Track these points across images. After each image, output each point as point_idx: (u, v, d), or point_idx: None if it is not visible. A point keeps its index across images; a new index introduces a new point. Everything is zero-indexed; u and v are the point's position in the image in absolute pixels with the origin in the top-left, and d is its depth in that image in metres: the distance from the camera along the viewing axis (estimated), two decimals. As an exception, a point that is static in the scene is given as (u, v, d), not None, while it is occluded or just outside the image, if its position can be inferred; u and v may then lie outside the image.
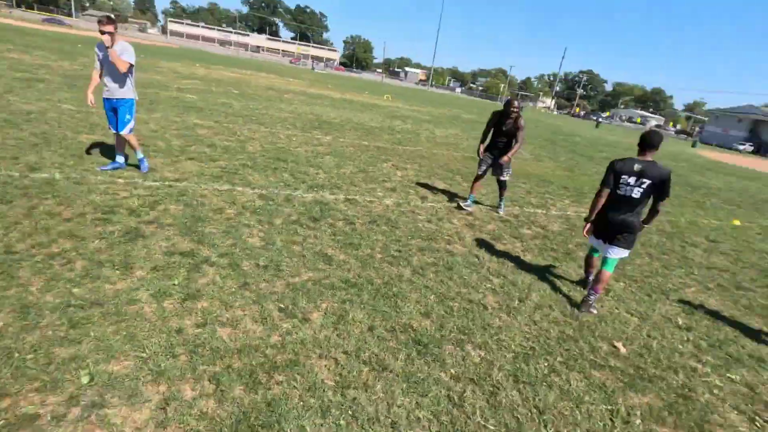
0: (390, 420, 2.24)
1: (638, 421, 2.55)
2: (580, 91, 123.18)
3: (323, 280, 3.52)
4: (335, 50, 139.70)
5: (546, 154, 14.64)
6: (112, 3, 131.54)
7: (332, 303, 3.22)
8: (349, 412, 2.24)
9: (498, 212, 6.38)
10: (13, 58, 13.84)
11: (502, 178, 6.16)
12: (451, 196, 6.84)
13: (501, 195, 6.40)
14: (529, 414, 2.46)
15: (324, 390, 2.36)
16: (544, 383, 2.74)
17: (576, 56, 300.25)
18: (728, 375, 3.21)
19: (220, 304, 2.97)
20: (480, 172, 6.11)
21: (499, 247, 5.00)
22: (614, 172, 3.61)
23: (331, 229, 4.61)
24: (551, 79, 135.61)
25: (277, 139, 8.79)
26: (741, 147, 60.91)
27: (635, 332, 3.60)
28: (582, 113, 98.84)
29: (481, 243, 5.02)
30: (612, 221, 3.69)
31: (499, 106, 46.17)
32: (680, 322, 3.93)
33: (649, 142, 3.53)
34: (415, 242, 4.68)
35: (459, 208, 6.11)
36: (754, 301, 4.74)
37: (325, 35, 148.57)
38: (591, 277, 4.17)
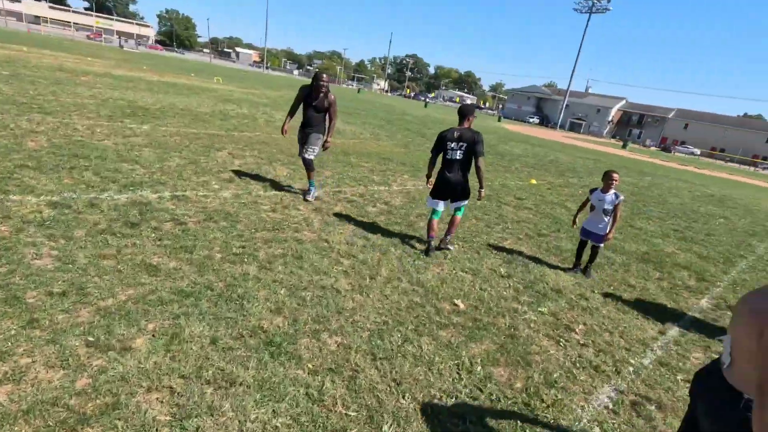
0: (243, 439, 2.00)
1: (479, 368, 2.86)
2: (408, 73, 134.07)
3: (148, 296, 2.96)
4: (148, 26, 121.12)
5: (384, 133, 15.45)
6: None
7: (162, 321, 2.73)
8: (192, 446, 1.91)
9: (307, 198, 5.73)
10: None
11: (306, 156, 5.65)
12: (296, 182, 6.60)
13: (308, 177, 5.79)
14: (388, 389, 2.51)
15: (157, 429, 1.96)
16: (399, 354, 2.84)
17: (402, 41, 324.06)
18: (539, 309, 3.87)
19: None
20: (301, 154, 5.76)
21: (347, 228, 5.02)
22: (441, 139, 4.54)
23: (156, 234, 3.93)
24: (382, 62, 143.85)
25: (72, 132, 7.12)
26: (531, 120, 75.29)
27: (470, 288, 4.05)
28: (412, 94, 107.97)
29: (330, 226, 4.97)
30: (449, 181, 4.51)
31: (335, 88, 46.72)
32: (503, 272, 4.58)
33: (462, 112, 4.61)
34: (260, 235, 4.35)
35: (306, 200, 5.84)
36: (551, 243, 5.85)
37: (132, 7, 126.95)
38: (433, 242, 4.64)
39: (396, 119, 23.21)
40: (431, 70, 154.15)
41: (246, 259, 3.77)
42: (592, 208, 4.75)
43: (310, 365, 2.58)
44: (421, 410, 2.40)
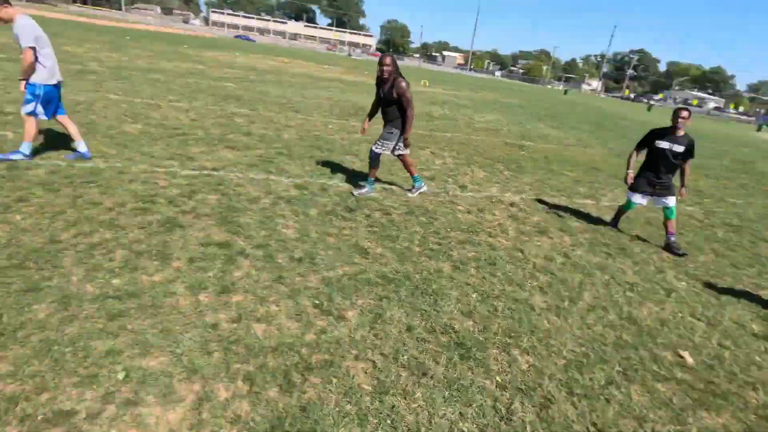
0: (432, 431, 2.08)
1: (713, 446, 2.26)
2: (630, 71, 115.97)
3: (359, 275, 3.38)
4: (371, 35, 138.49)
5: (593, 139, 13.80)
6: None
7: (368, 300, 3.08)
8: (388, 422, 2.09)
9: (410, 194, 5.38)
10: (66, 49, 14.52)
11: (374, 150, 5.10)
12: (493, 185, 6.51)
13: (409, 172, 5.39)
14: (586, 431, 2.23)
15: (361, 395, 2.22)
16: (602, 396, 2.49)
17: (627, 35, 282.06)
18: (817, 394, 2.81)
19: (255, 298, 2.89)
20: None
21: (545, 241, 4.68)
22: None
23: (368, 220, 4.45)
24: (599, 59, 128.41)
25: (312, 127, 8.71)
26: (814, 130, 55.23)
27: (703, 340, 3.24)
28: (632, 95, 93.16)
29: (526, 236, 4.71)
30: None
31: (539, 89, 43.98)
32: (755, 329, 3.51)
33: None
34: (454, 234, 4.45)
35: (410, 196, 5.37)
36: (843, 306, 4.18)
37: (361, 21, 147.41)
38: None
39: (610, 124, 20.43)
40: (661, 67, 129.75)
41: (441, 257, 3.91)
42: None
43: (498, 378, 2.50)
44: (626, 471, 2.04)
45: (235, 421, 1.97)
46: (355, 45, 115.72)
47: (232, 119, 8.20)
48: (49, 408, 1.89)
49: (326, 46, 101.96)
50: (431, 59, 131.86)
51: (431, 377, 2.42)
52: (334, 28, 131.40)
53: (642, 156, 5.04)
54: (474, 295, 3.35)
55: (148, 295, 2.73)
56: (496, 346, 2.79)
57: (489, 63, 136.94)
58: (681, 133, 4.71)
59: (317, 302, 2.95)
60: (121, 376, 2.11)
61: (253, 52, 33.77)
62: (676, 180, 4.92)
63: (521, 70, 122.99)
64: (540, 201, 6.06)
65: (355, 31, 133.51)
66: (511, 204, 5.74)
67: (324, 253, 3.64)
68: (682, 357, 2.98)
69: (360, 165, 6.43)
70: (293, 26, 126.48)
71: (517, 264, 4.00)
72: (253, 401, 2.09)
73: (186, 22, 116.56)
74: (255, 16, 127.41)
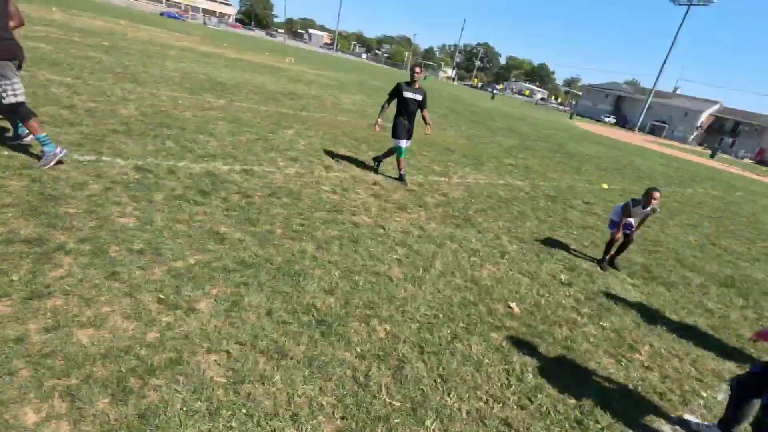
0: (291, 412, 2.07)
1: (530, 377, 2.73)
2: (478, 63, 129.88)
3: (214, 263, 3.13)
4: (230, 4, 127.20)
5: (449, 123, 15.14)
6: None
7: (224, 288, 2.88)
8: (243, 411, 2.01)
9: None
10: None
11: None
12: (357, 165, 6.66)
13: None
14: (434, 384, 2.48)
15: (213, 389, 2.08)
16: (448, 350, 2.79)
17: (474, 29, 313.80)
18: (601, 323, 3.62)
19: (79, 300, 2.46)
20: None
21: (404, 216, 4.99)
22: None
23: (225, 204, 4.15)
24: (452, 49, 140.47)
25: (158, 102, 7.67)
26: (606, 119, 70.20)
27: (527, 291, 3.87)
28: (480, 84, 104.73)
29: (387, 213, 4.96)
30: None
31: (403, 74, 46.70)
32: (563, 279, 4.33)
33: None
34: (318, 215, 4.44)
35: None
36: (621, 255, 5.43)
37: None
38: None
39: (462, 109, 22.65)
40: (502, 60, 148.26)
41: (304, 237, 3.87)
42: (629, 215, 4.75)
43: (358, 349, 2.61)
44: (466, 411, 2.34)
45: (51, 447, 1.66)
46: (211, 13, 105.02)
47: (47, 89, 6.71)
48: None
49: (176, 11, 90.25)
50: (297, 36, 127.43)
51: (291, 358, 2.40)
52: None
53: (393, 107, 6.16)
54: (336, 273, 3.40)
55: None
56: (357, 319, 2.90)
57: (355, 45, 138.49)
58: (417, 86, 5.96)
59: (162, 296, 2.65)
60: None
61: (77, 8, 27.98)
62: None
63: (386, 55, 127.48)
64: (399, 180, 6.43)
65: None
66: (374, 183, 5.97)
67: (171, 242, 3.27)
68: (511, 308, 3.52)
69: (216, 145, 5.92)
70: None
71: (378, 239, 4.20)
72: (75, 419, 1.79)
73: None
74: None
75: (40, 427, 1.72)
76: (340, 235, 4.09)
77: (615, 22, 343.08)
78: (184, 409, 1.94)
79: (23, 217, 3.11)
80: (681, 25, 53.67)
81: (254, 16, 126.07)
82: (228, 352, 2.34)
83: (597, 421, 2.50)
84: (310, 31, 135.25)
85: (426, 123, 6.22)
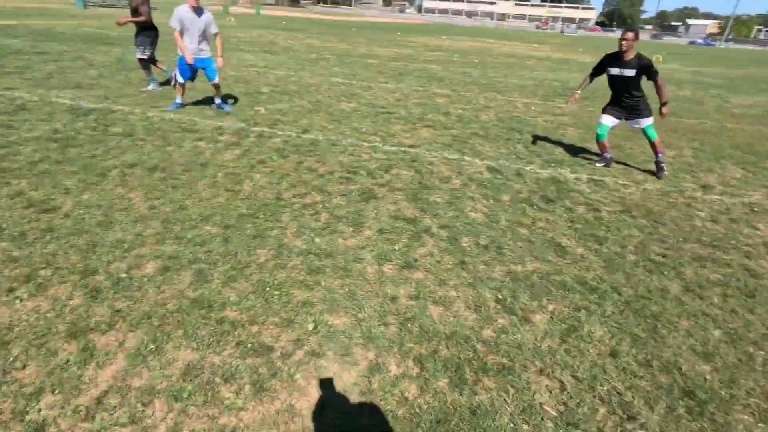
0: (635, 498, 1.58)
1: None
2: None
3: (553, 275, 2.91)
4: (591, 8, 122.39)
5: None
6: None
7: (562, 306, 2.61)
8: (574, 463, 1.69)
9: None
10: (308, 42, 17.41)
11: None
12: (755, 188, 4.82)
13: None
14: None
15: (542, 418, 1.86)
16: None
17: None
18: None
19: (435, 279, 2.79)
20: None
21: None
22: None
23: (568, 214, 3.84)
24: None
25: (513, 108, 8.14)
26: None
27: None
28: None
29: (813, 266, 3.28)
30: None
31: None
32: None
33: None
34: (689, 247, 3.43)
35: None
36: None
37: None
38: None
39: None
40: None
41: (667, 272, 3.05)
42: None
43: (750, 459, 1.75)
44: None
45: (402, 402, 1.90)
46: (571, 20, 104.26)
47: (433, 99, 8.34)
48: (255, 339, 2.18)
49: (536, 24, 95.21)
50: (670, 30, 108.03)
51: (640, 425, 1.86)
52: (547, 3, 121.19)
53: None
54: (716, 333, 2.48)
55: (341, 258, 2.93)
56: (749, 412, 1.98)
57: (760, 29, 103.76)
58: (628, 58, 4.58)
59: (500, 297, 2.65)
60: (311, 326, 2.29)
61: (459, 35, 34.02)
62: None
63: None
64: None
65: (572, 5, 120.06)
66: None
67: (513, 243, 3.28)
68: None
69: (563, 151, 5.65)
70: (503, 6, 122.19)
71: (795, 302, 2.81)
72: (421, 386, 1.98)
73: (402, 11, 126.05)
74: (465, 0, 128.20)
75: (398, 381, 2.01)
76: (722, 281, 2.99)
77: None
78: (512, 425, 1.82)
79: (407, 200, 3.88)
80: None
81: (617, 16, 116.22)
82: (561, 382, 2.06)
83: None
84: (688, 21, 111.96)
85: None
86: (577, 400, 1.96)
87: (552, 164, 5.12)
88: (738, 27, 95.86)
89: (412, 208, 3.74)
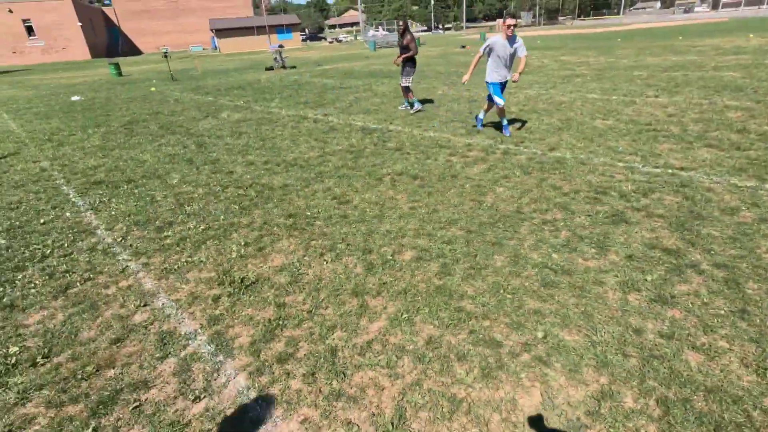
0: None
1: None
2: None
3: None
4: None
5: None
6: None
7: None
8: None
9: None
10: (562, 59, 16.74)
11: None
12: None
13: None
14: None
15: None
16: None
17: None
18: None
19: (698, 322, 2.37)
20: None
21: None
22: None
23: None
24: None
25: None
26: None
27: None
28: None
29: None
30: None
31: None
32: None
33: None
34: None
35: None
36: None
37: None
38: None
39: None
40: None
41: None
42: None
43: None
44: None
45: (636, 438, 1.75)
46: None
47: (723, 114, 6.73)
48: (487, 333, 2.41)
49: None
50: None
51: None
52: None
53: None
54: None
55: (578, 277, 2.84)
56: None
57: None
58: None
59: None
60: (540, 335, 2.36)
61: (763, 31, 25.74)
62: None
63: None
64: None
65: None
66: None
67: (837, 304, 2.42)
68: None
69: None
70: None
71: None
72: (663, 430, 1.77)
73: (688, 11, 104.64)
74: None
75: (634, 415, 1.85)
76: None
77: None
78: None
79: (669, 229, 3.37)
80: None
81: None
82: None
83: None
84: None
85: None
86: None
87: None
88: None
89: (675, 238, 3.23)
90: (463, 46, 30.13)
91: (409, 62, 8.00)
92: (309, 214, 4.10)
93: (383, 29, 57.43)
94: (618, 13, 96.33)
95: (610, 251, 3.12)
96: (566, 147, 5.61)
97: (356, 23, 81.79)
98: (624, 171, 4.62)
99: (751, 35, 22.84)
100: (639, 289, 2.68)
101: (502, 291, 2.75)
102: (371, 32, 56.66)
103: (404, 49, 7.92)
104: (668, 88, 9.27)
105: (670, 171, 4.53)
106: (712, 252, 3.01)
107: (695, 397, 1.91)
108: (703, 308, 2.47)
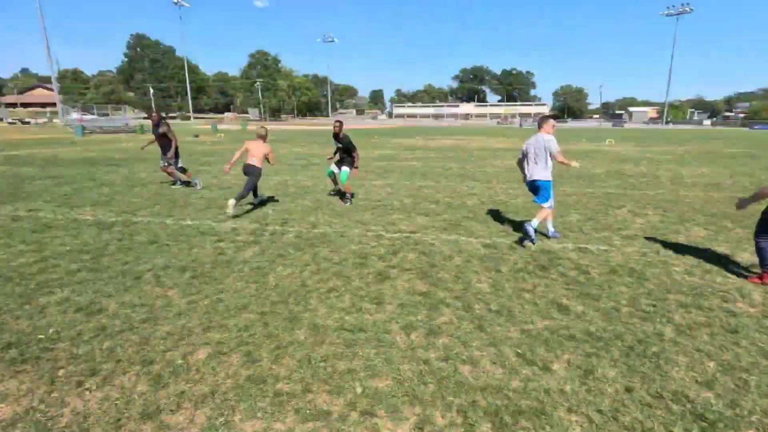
0: (673, 505, 1.81)
1: None
2: None
3: (561, 330, 3.27)
4: (544, 104, 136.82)
5: None
6: (354, 101, 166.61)
7: (575, 355, 2.93)
8: (615, 481, 1.92)
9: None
10: (296, 151, 18.96)
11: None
12: (719, 244, 5.44)
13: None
14: None
15: (579, 448, 2.11)
16: None
17: None
18: None
19: (459, 342, 3.10)
20: None
21: (815, 310, 3.62)
22: None
23: (563, 279, 4.30)
24: None
25: (494, 193, 9.02)
26: None
27: None
28: None
29: (782, 303, 3.75)
30: None
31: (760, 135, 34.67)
32: None
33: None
34: (673, 297, 3.88)
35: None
36: None
37: (533, 92, 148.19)
38: None
39: None
40: None
41: (659, 319, 3.45)
42: None
43: (764, 465, 2.02)
44: None
45: (455, 447, 2.12)
46: (527, 115, 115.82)
47: (421, 191, 9.19)
48: (312, 406, 2.42)
49: (497, 121, 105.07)
50: (615, 117, 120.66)
51: (665, 445, 2.13)
52: (504, 103, 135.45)
53: None
54: (711, 365, 2.82)
55: (371, 331, 3.25)
56: (755, 427, 2.27)
57: (692, 112, 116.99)
58: None
59: (519, 352, 2.97)
60: (359, 390, 2.55)
61: (431, 135, 37.38)
62: None
63: (741, 114, 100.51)
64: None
65: (527, 103, 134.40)
66: (751, 265, 4.67)
67: (521, 306, 3.67)
68: None
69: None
70: (464, 107, 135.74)
71: (773, 335, 3.20)
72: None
73: (374, 118, 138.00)
74: (430, 105, 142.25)
75: (446, 430, 2.24)
76: (708, 323, 3.40)
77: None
78: (554, 456, 2.06)
79: (418, 277, 4.30)
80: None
81: (567, 109, 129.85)
82: (589, 417, 2.33)
83: None
84: (631, 109, 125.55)
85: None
86: (605, 431, 2.23)
87: (539, 238, 5.70)
88: (674, 111, 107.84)
89: (424, 284, 4.15)
90: (196, 136, 29.78)
91: (168, 149, 8.87)
92: (42, 337, 3.08)
93: (92, 113, 50.28)
94: (327, 116, 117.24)
95: (386, 303, 3.71)
96: (325, 223, 6.35)
97: (49, 104, 68.38)
98: (375, 238, 5.62)
99: (418, 137, 32.06)
100: (416, 327, 3.30)
101: (313, 362, 2.83)
102: (75, 115, 48.49)
103: (162, 137, 8.79)
104: (381, 173, 11.91)
105: (405, 234, 5.81)
106: (449, 288, 4.04)
107: (477, 397, 2.50)
108: (458, 330, 3.26)
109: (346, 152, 7.92)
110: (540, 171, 5.38)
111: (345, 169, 7.84)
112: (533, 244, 5.30)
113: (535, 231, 5.38)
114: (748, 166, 14.64)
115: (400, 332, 3.23)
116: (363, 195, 8.64)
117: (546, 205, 5.42)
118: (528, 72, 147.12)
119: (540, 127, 5.61)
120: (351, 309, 3.60)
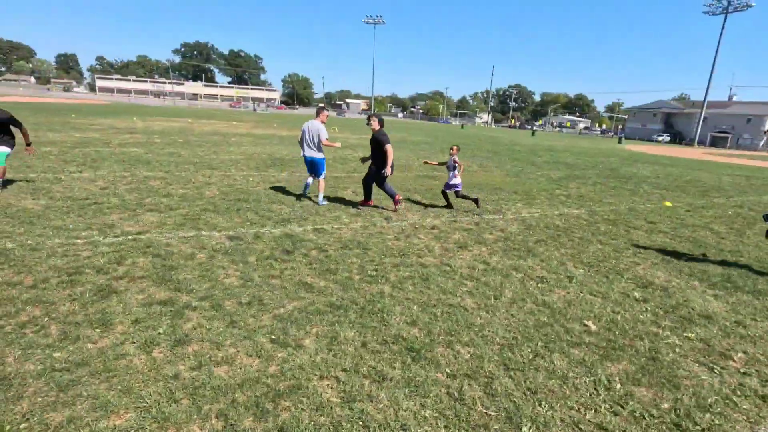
0: (399, 423, 2.35)
1: (618, 386, 2.82)
2: (512, 104, 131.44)
3: (308, 307, 3.59)
4: (275, 90, 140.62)
5: (492, 163, 15.50)
6: (30, 65, 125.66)
7: (322, 327, 3.30)
8: (360, 423, 2.32)
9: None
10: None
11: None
12: (414, 212, 7.12)
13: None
14: (524, 396, 2.66)
15: (331, 407, 2.43)
16: (532, 367, 2.96)
17: (503, 73, 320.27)
18: (685, 334, 3.60)
19: (211, 345, 2.96)
20: None
21: (466, 253, 5.28)
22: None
23: (306, 259, 4.69)
24: (484, 95, 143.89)
25: (233, 181, 8.77)
26: (659, 138, 67.32)
27: (600, 310, 3.95)
28: (518, 124, 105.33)
29: (450, 252, 5.28)
30: None
31: (440, 127, 48.28)
32: (637, 296, 4.34)
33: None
34: (389, 260, 4.86)
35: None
36: (695, 268, 5.30)
37: (262, 76, 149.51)
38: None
39: (503, 150, 23.01)
40: (537, 98, 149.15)
41: (380, 280, 4.27)
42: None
43: (447, 370, 2.87)
44: (559, 418, 2.49)
45: (218, 454, 2.06)
46: (260, 100, 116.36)
47: (146, 183, 7.96)
48: (15, 485, 1.83)
49: (229, 104, 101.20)
50: (336, 107, 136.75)
51: (391, 380, 2.71)
52: (235, 85, 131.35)
53: None
54: (415, 308, 3.73)
55: (98, 362, 2.68)
56: (442, 345, 3.17)
57: (390, 106, 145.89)
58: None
59: (273, 337, 3.10)
60: (89, 439, 2.09)
61: (152, 115, 32.48)
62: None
63: (421, 111, 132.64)
64: (455, 221, 6.77)
65: (258, 87, 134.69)
66: (432, 227, 6.35)
67: (271, 293, 3.80)
68: (587, 326, 3.62)
69: (288, 211, 6.66)
70: (192, 86, 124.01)
71: (447, 276, 4.50)
72: (231, 433, 2.19)
73: (67, 90, 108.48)
74: (148, 80, 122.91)
75: (207, 439, 2.14)
76: (411, 276, 4.44)
77: (648, 41, 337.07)
78: (312, 423, 2.29)
79: (156, 284, 3.79)
80: (721, 33, 52.16)
81: (296, 97, 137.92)
82: (337, 378, 2.70)
83: (696, 423, 2.52)
84: (348, 100, 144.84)
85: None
86: (351, 384, 2.64)
87: (282, 223, 5.98)
88: (378, 105, 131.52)
89: (163, 290, 3.70)
90: None
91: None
92: None
93: None
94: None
95: (115, 324, 3.13)
96: (3, 235, 4.67)
97: None
98: (88, 246, 4.55)
99: (135, 118, 27.30)
100: (158, 342, 2.93)
101: (8, 427, 2.11)
102: None
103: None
104: (87, 162, 9.62)
105: (130, 237, 4.95)
106: (194, 290, 3.75)
107: (236, 395, 2.47)
108: (210, 333, 3.10)
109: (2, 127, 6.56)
110: (314, 151, 7.13)
111: (4, 149, 6.44)
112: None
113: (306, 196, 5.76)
114: (425, 151, 19.52)
115: (138, 353, 2.80)
116: (61, 192, 6.78)
117: (322, 177, 7.24)
118: (257, 56, 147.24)
119: (317, 115, 7.23)
120: (62, 342, 2.85)
